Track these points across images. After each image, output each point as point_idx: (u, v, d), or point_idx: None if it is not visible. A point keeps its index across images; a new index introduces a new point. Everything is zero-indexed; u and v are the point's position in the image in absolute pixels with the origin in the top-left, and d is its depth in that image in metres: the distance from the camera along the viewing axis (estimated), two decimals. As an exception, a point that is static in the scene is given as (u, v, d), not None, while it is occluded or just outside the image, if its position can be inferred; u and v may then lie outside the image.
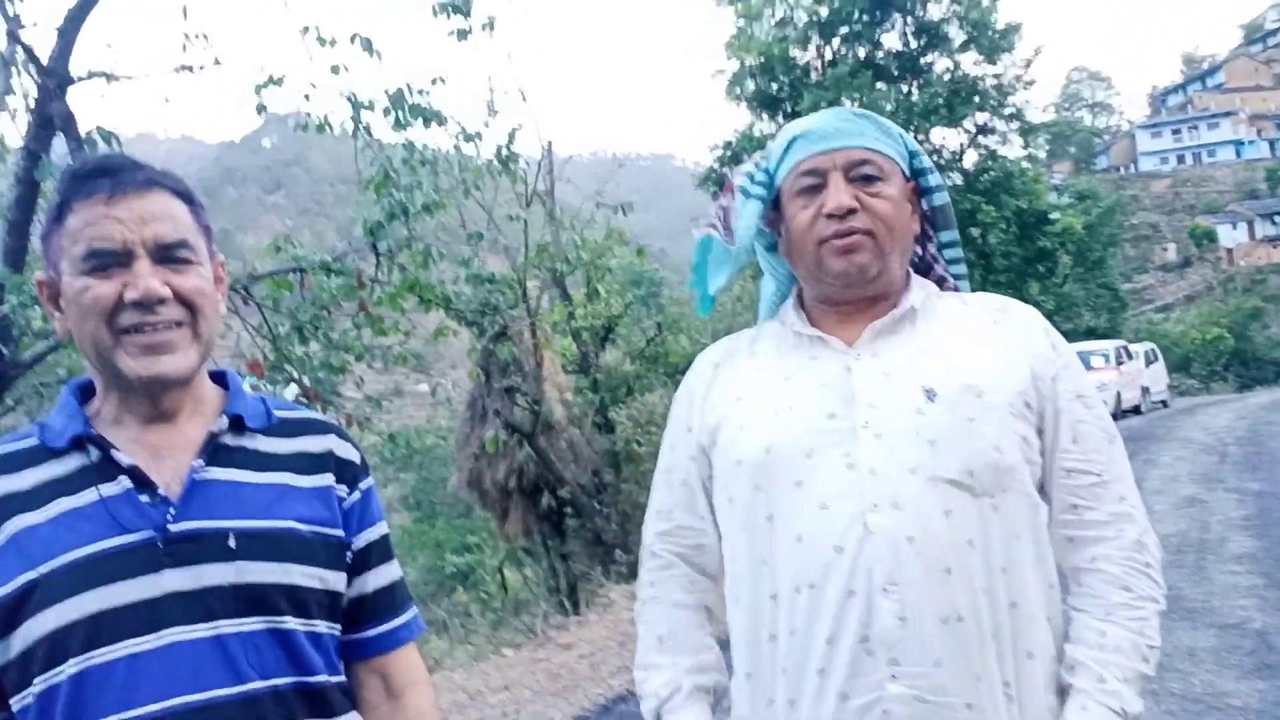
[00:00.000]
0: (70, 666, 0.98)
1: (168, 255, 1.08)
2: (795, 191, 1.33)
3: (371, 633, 1.20)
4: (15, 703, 1.00)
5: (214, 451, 1.11)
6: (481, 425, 8.89)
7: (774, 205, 1.38)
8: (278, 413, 1.20)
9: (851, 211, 1.27)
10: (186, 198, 1.13)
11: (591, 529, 8.89)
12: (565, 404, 9.40)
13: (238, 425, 1.15)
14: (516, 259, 9.41)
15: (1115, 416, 17.71)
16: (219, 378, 1.22)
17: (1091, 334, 29.83)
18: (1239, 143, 74.86)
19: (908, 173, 1.37)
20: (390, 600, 1.22)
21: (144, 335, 1.06)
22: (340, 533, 1.15)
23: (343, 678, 1.15)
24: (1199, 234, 64.03)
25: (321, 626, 1.11)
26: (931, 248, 1.46)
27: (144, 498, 1.05)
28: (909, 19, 27.40)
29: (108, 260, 1.05)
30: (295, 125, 6.96)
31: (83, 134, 5.44)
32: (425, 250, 7.00)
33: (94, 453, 1.07)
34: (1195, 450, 12.06)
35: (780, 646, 1.23)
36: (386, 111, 6.85)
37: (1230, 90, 79.55)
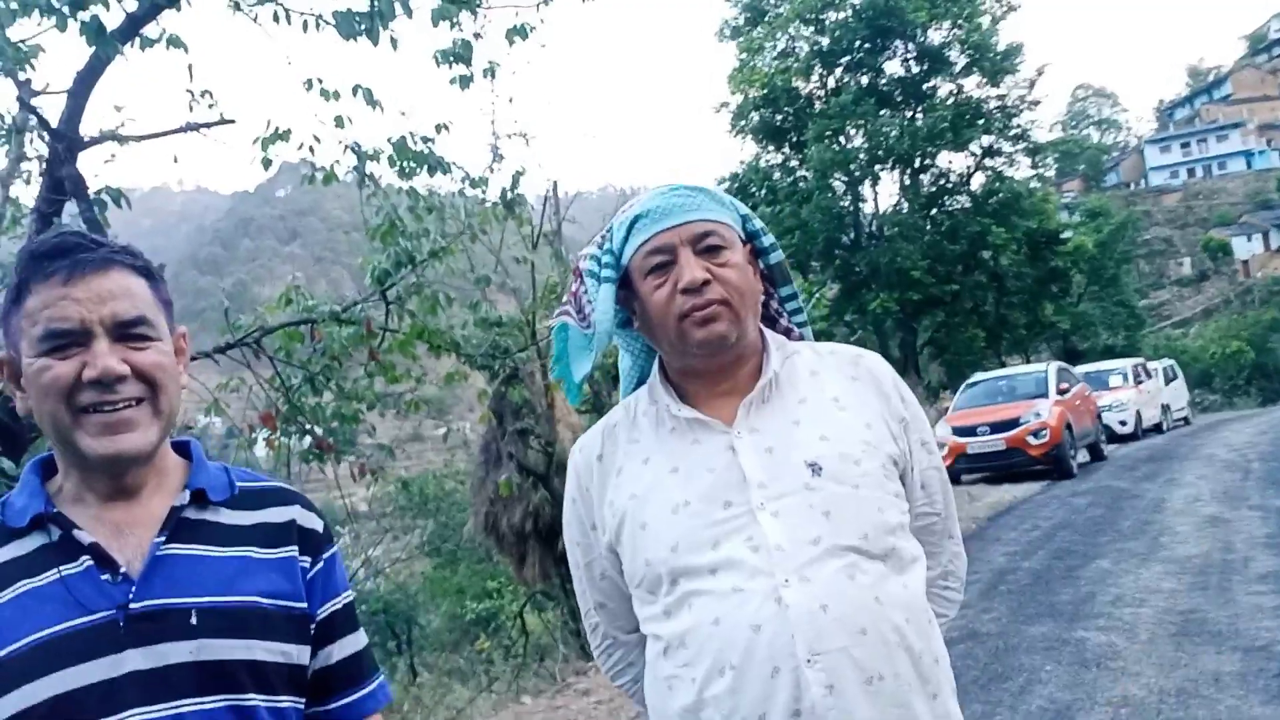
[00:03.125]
0: None
1: (126, 333, 1.08)
2: (646, 270, 1.37)
3: (335, 705, 1.20)
4: None
5: (176, 527, 1.11)
6: (496, 469, 8.88)
7: (624, 284, 1.41)
8: (240, 484, 1.20)
9: (705, 284, 1.32)
10: (146, 273, 1.14)
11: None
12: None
13: (200, 499, 1.15)
14: (525, 300, 9.45)
15: (1135, 435, 17.56)
16: (182, 448, 1.22)
17: (1109, 352, 29.62)
18: (1249, 153, 74.58)
19: (743, 237, 1.43)
20: (355, 671, 1.22)
21: (103, 414, 1.06)
22: (303, 605, 1.15)
23: None
24: (1213, 247, 63.61)
25: (285, 701, 1.10)
26: (774, 302, 1.53)
27: (105, 576, 1.05)
28: (910, 45, 27.60)
29: (66, 340, 1.06)
30: (302, 179, 7.06)
31: (92, 195, 5.52)
32: (434, 296, 7.05)
33: (55, 532, 1.07)
34: (1218, 468, 11.91)
35: None
36: (391, 161, 6.93)
37: (1238, 101, 79.41)
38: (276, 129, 6.62)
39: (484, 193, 7.83)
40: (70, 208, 5.56)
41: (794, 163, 28.68)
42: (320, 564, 1.20)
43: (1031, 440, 12.67)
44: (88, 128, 5.46)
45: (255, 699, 1.07)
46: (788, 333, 1.53)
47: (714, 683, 1.24)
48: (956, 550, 1.52)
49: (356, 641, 1.23)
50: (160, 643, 1.03)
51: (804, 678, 1.19)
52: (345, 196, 7.01)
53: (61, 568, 1.05)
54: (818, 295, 17.98)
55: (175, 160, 7.11)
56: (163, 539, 1.09)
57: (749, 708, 1.21)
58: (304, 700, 1.15)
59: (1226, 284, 61.29)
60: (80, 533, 1.07)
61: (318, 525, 1.22)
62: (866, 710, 1.21)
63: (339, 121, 6.61)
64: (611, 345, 1.56)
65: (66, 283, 1.06)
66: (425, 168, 6.94)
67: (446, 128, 7.28)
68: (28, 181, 5.85)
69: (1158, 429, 19.21)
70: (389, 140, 6.81)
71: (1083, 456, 13.90)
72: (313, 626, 1.16)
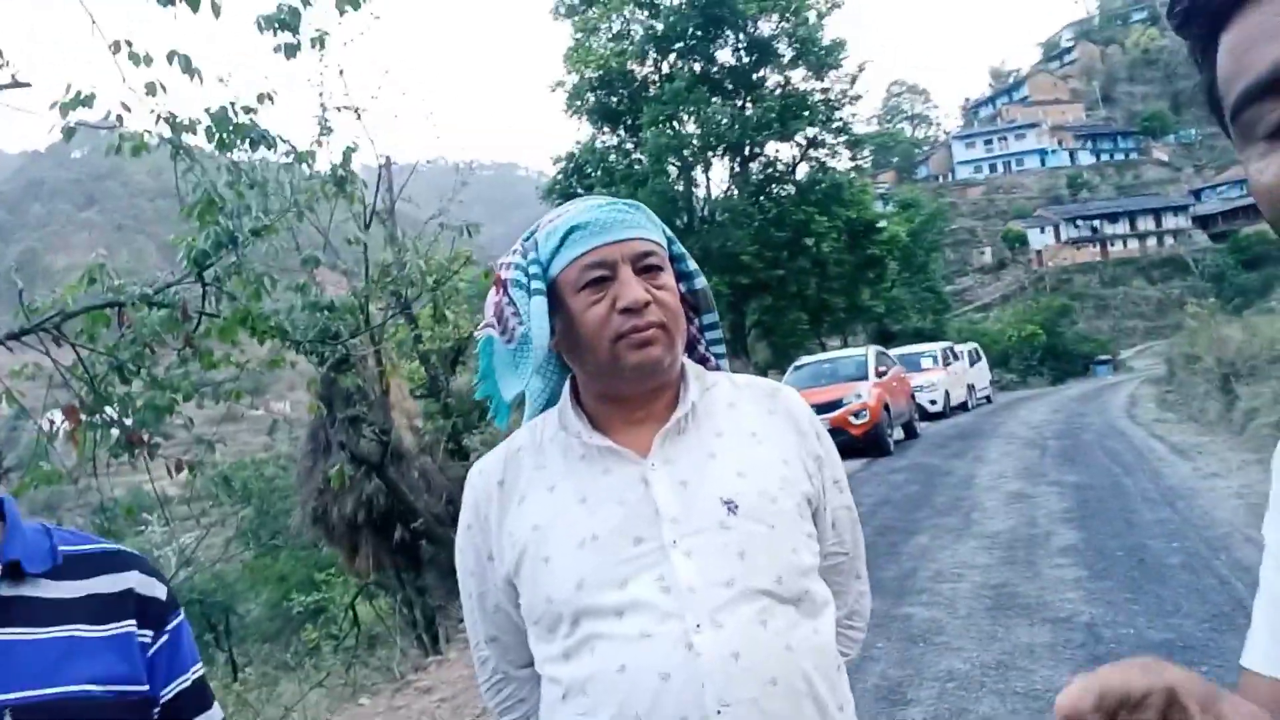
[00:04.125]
0: None
1: None
2: (580, 285, 1.29)
3: None
4: None
5: None
6: (325, 459, 8.49)
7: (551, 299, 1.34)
8: (65, 548, 1.04)
9: (646, 305, 1.27)
10: None
11: (448, 560, 8.62)
12: (415, 431, 9.12)
13: (14, 571, 0.99)
14: (357, 283, 9.06)
15: (945, 414, 18.79)
16: None
17: (919, 335, 31.54)
18: (1043, 151, 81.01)
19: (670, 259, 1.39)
20: None
21: None
22: (144, 688, 1.02)
23: None
24: (1011, 238, 68.92)
25: None
26: (693, 329, 1.48)
27: None
28: (740, 35, 28.23)
29: None
30: (106, 147, 6.48)
31: None
32: (258, 280, 6.64)
33: None
34: (1019, 445, 12.89)
35: None
36: (209, 133, 6.45)
37: (1034, 103, 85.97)
38: (79, 93, 6.04)
39: (311, 168, 7.44)
40: None
41: (629, 145, 28.88)
42: (164, 637, 1.06)
43: (853, 420, 13.32)
44: None
45: None
46: (704, 361, 1.47)
47: None
48: (863, 590, 1.51)
49: None
50: None
51: None
52: (150, 161, 6.47)
53: None
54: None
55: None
56: None
57: None
58: None
59: (1022, 272, 66.55)
60: None
61: (160, 593, 1.08)
62: None
63: (150, 89, 6.09)
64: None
65: None
66: (247, 140, 6.51)
67: (270, 98, 6.84)
68: None
69: (964, 407, 20.64)
70: (206, 110, 6.34)
71: (898, 435, 14.75)
72: (157, 710, 1.03)
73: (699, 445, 1.30)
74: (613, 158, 28.49)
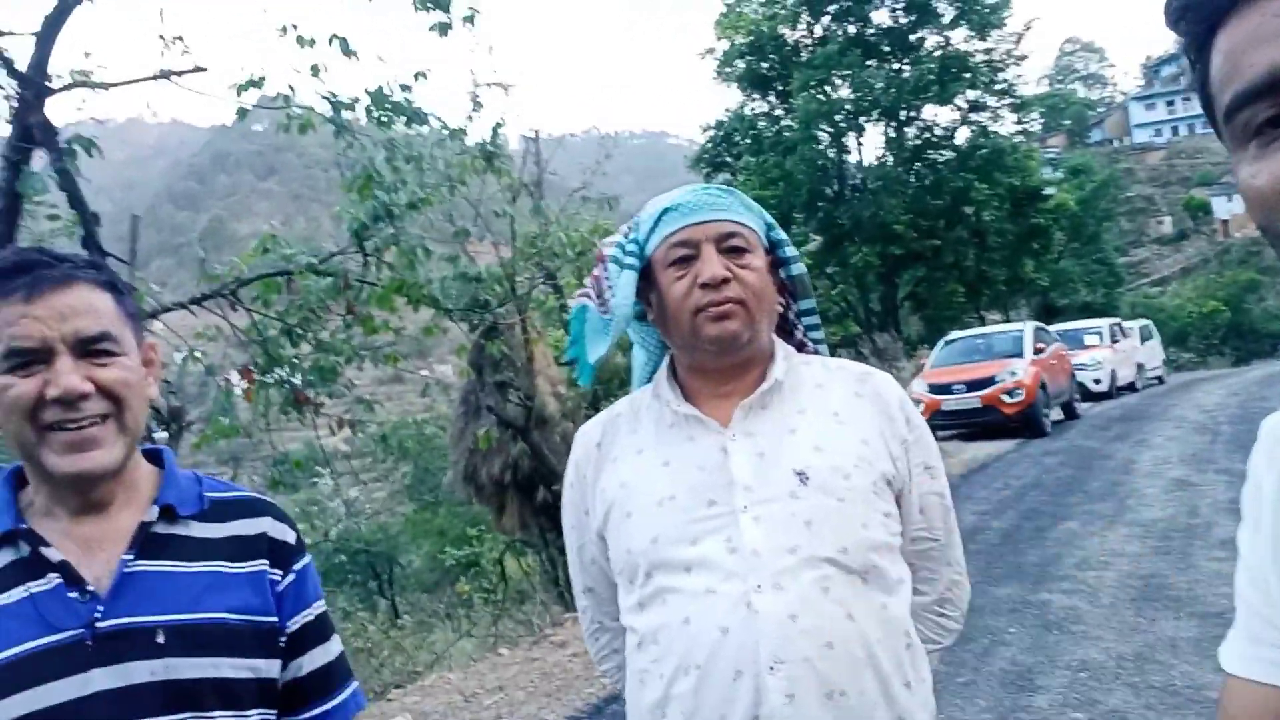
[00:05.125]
0: None
1: (89, 349, 1.08)
2: (668, 262, 1.38)
3: (307, 715, 1.21)
4: None
5: (145, 543, 1.11)
6: (475, 421, 8.90)
7: (643, 275, 1.42)
8: (211, 495, 1.20)
9: (725, 281, 1.33)
10: (110, 287, 1.13)
11: (586, 521, 8.88)
12: (558, 397, 9.42)
13: (169, 513, 1.14)
14: (505, 254, 9.39)
15: (1110, 394, 17.80)
16: (154, 456, 1.22)
17: (1088, 309, 29.85)
18: (1233, 112, 74.55)
19: (766, 245, 1.44)
20: (325, 683, 1.22)
21: (68, 433, 1.06)
22: (274, 619, 1.15)
23: None
24: (1194, 206, 63.89)
25: (253, 716, 1.12)
26: (791, 314, 1.54)
27: (73, 594, 1.06)
28: (899, -5, 27.23)
29: (28, 358, 1.05)
30: (277, 125, 6.95)
31: (62, 144, 5.42)
32: (411, 250, 7.00)
33: (25, 547, 1.08)
34: (1188, 430, 12.11)
35: None
36: (368, 111, 6.82)
37: (1225, 59, 79.14)
38: (251, 76, 6.49)
39: (463, 143, 7.74)
40: (43, 155, 5.45)
41: (779, 112, 28.43)
42: (291, 576, 1.20)
43: (1006, 399, 12.82)
44: (56, 72, 5.34)
45: (221, 715, 1.08)
46: (801, 346, 1.53)
47: (679, 681, 1.26)
48: (956, 579, 1.49)
49: (328, 652, 1.24)
50: (127, 662, 1.04)
51: (765, 684, 1.21)
52: (324, 132, 6.90)
53: (30, 585, 1.05)
54: (801, 251, 17.98)
55: (148, 106, 6.99)
56: (131, 555, 1.09)
57: (710, 709, 1.23)
58: (275, 712, 1.16)
59: (1205, 243, 61.69)
60: (49, 550, 1.07)
61: (289, 537, 1.22)
62: None
63: (314, 70, 6.49)
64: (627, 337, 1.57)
65: (27, 300, 1.05)
66: (403, 118, 6.84)
67: (424, 75, 7.17)
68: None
69: (1131, 388, 19.47)
70: (366, 90, 6.71)
71: (1056, 415, 14.10)
72: (283, 640, 1.17)
73: (780, 420, 1.37)
74: (762, 124, 28.13)
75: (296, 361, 6.62)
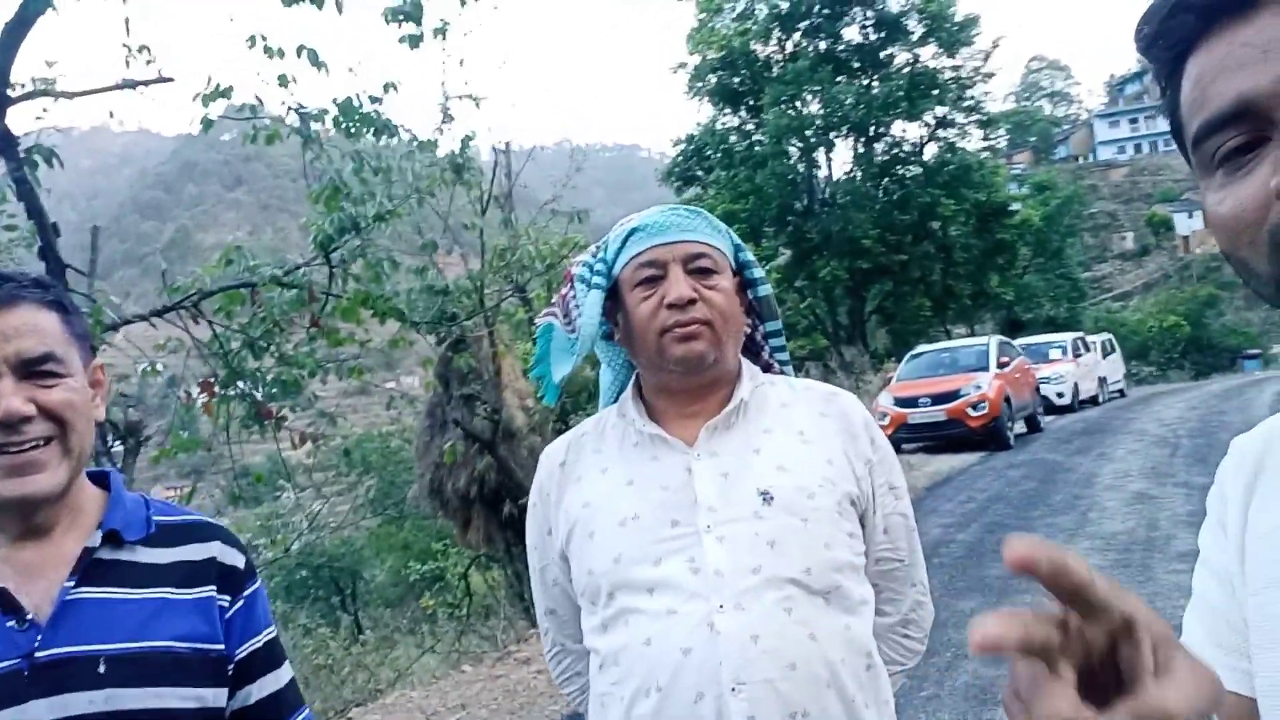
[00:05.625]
0: None
1: (33, 371, 1.06)
2: (636, 282, 1.39)
3: None
4: None
5: (87, 569, 1.09)
6: (441, 434, 8.86)
7: (611, 295, 1.43)
8: (158, 519, 1.18)
9: (691, 302, 1.34)
10: (58, 306, 1.11)
11: (554, 535, 8.85)
12: (526, 410, 9.40)
13: (115, 538, 1.12)
14: (474, 266, 9.36)
15: (1072, 408, 18.03)
16: (101, 479, 1.20)
17: (1051, 324, 30.25)
18: (1194, 131, 76.00)
19: (734, 266, 1.45)
20: (275, 711, 1.21)
21: (9, 456, 1.04)
22: (221, 646, 1.14)
23: None
24: (1156, 222, 65.06)
25: None
26: (758, 335, 1.55)
27: (11, 623, 1.03)
28: (868, 12, 27.55)
29: None
30: (243, 137, 6.90)
31: (22, 153, 5.33)
32: (378, 263, 6.96)
33: None
34: (1148, 443, 12.29)
35: None
36: (336, 122, 6.78)
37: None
38: (217, 86, 6.44)
39: (433, 155, 7.72)
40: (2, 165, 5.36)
41: (750, 127, 28.63)
42: (240, 602, 1.18)
43: (971, 412, 12.96)
44: (18, 80, 5.26)
45: None
46: (768, 367, 1.54)
47: (640, 703, 1.25)
48: (920, 600, 1.49)
49: (278, 679, 1.22)
50: (66, 693, 1.01)
51: (727, 706, 1.20)
52: (293, 142, 6.85)
53: None
54: (770, 265, 18.06)
55: (111, 115, 6.89)
56: (72, 583, 1.07)
57: None
58: None
59: (1167, 259, 62.85)
60: None
61: (239, 562, 1.20)
62: None
63: (282, 80, 6.45)
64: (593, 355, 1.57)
65: None
66: (371, 130, 6.81)
67: (395, 87, 7.14)
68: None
69: (1094, 401, 19.75)
70: (334, 101, 6.67)
71: (1020, 428, 14.27)
72: (231, 667, 1.15)
73: (745, 440, 1.37)
74: (733, 139, 28.31)
75: (259, 374, 6.55)
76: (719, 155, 27.85)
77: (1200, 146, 0.63)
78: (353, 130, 6.72)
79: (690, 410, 1.39)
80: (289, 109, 6.66)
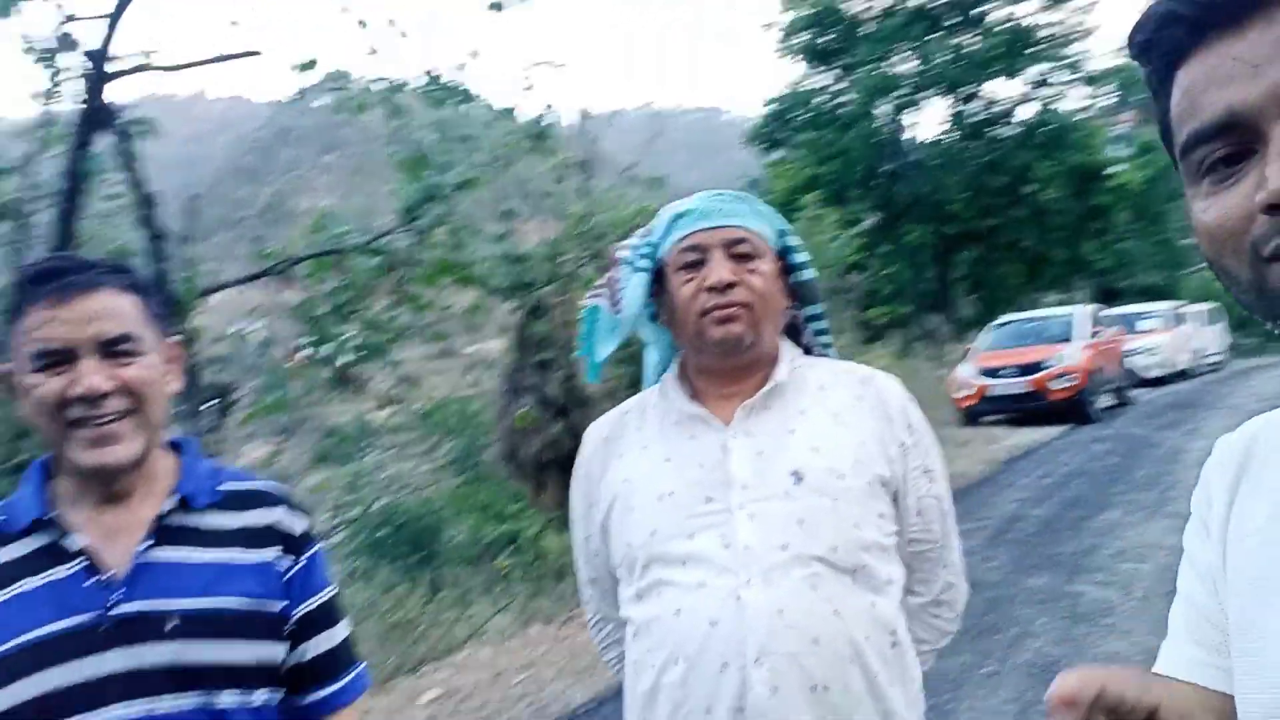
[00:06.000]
0: None
1: (112, 350, 1.16)
2: (678, 266, 1.44)
3: (310, 699, 1.28)
4: None
5: (161, 532, 1.20)
6: (516, 400, 9.03)
7: (656, 278, 1.48)
8: (227, 486, 1.28)
9: (731, 285, 1.39)
10: (136, 289, 1.22)
11: (624, 500, 8.96)
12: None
13: (186, 503, 1.23)
14: (552, 234, 9.48)
15: (1165, 380, 17.39)
16: (177, 447, 1.31)
17: (1149, 292, 29.11)
18: (1315, 88, 71.61)
19: (778, 250, 1.49)
20: (329, 666, 1.30)
21: (90, 428, 1.14)
22: (281, 605, 1.23)
23: None
24: (1269, 185, 61.52)
25: (259, 698, 1.20)
26: (800, 318, 1.58)
27: (93, 580, 1.14)
28: (964, -33, 26.58)
29: (55, 359, 1.14)
30: (334, 106, 7.11)
31: (124, 126, 5.61)
32: (459, 229, 7.12)
33: (50, 535, 1.17)
34: (1242, 418, 11.73)
35: (662, 712, 1.34)
36: (421, 92, 6.95)
37: (1308, 32, 75.95)
38: (308, 58, 6.67)
39: (513, 123, 7.84)
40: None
41: (839, 87, 28.03)
42: (300, 564, 1.27)
43: (1055, 385, 12.62)
44: (120, 54, 5.52)
45: (227, 698, 1.16)
46: (809, 349, 1.57)
47: (669, 671, 1.31)
48: (952, 581, 1.51)
49: (333, 637, 1.31)
50: (139, 645, 1.13)
51: (750, 676, 1.26)
52: (383, 108, 7.03)
53: (53, 571, 1.14)
54: (855, 230, 17.74)
55: (209, 85, 7.16)
56: (148, 544, 1.18)
57: (696, 700, 1.29)
58: (281, 693, 1.24)
59: (1279, 224, 59.52)
60: (71, 538, 1.16)
61: (299, 527, 1.30)
62: (808, 716, 1.26)
63: (371, 51, 6.64)
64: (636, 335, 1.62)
65: (55, 304, 1.14)
66: (454, 98, 6.96)
67: (476, 55, 7.27)
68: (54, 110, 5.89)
69: (1188, 374, 19.00)
70: (420, 72, 6.85)
71: (1108, 401, 13.84)
72: (290, 625, 1.25)
73: (780, 420, 1.42)
74: (820, 100, 27.77)
75: (345, 339, 6.80)
76: (806, 117, 27.38)
77: (1188, 155, 0.65)
78: (437, 99, 6.88)
79: (729, 391, 1.45)
80: (376, 80, 6.85)
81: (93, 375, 1.14)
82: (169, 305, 5.86)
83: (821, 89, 28.18)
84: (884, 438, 1.42)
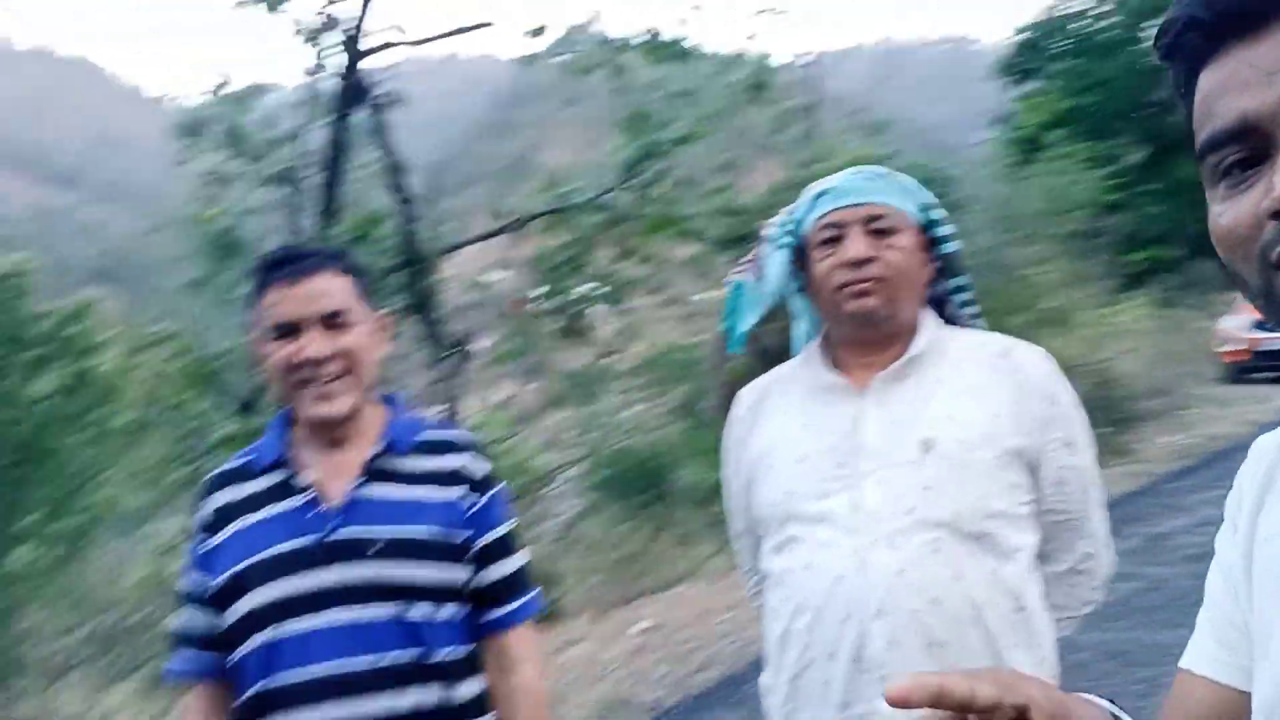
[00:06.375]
0: (263, 636, 1.37)
1: (330, 322, 1.40)
2: (818, 242, 1.49)
3: (490, 616, 1.49)
4: (235, 658, 1.41)
5: (370, 472, 1.43)
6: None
7: (800, 254, 1.55)
8: (424, 435, 1.50)
9: (867, 261, 1.43)
10: (350, 271, 1.47)
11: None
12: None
13: (391, 449, 1.45)
14: (774, 183, 9.47)
15: None
16: (388, 401, 1.55)
17: None
18: None
19: (922, 224, 1.51)
20: (505, 590, 1.51)
21: (315, 387, 1.39)
22: (464, 536, 1.45)
23: (464, 651, 1.45)
24: None
25: (445, 612, 1.42)
26: (943, 290, 1.60)
27: (318, 510, 1.40)
28: None
29: (286, 330, 1.39)
30: (567, 68, 7.48)
31: (376, 100, 6.18)
32: (679, 185, 7.31)
33: (286, 472, 1.43)
34: None
35: (791, 656, 1.44)
36: (642, 50, 7.15)
37: None
38: (536, 26, 7.05)
39: (735, 75, 7.89)
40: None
41: (1101, 9, 25.68)
42: (481, 503, 1.49)
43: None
44: (375, 25, 6.07)
45: (419, 609, 1.40)
46: (954, 320, 1.61)
47: (798, 619, 1.42)
48: (1091, 551, 1.52)
49: (510, 565, 1.52)
50: (351, 563, 1.38)
51: (869, 630, 1.35)
52: (627, 60, 7.31)
53: (289, 501, 1.42)
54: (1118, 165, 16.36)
55: (455, 54, 7.71)
56: (359, 482, 1.43)
57: (820, 646, 1.39)
58: (466, 609, 1.46)
59: None
60: (302, 476, 1.43)
61: (481, 471, 1.52)
62: (925, 670, 1.35)
63: (593, 16, 6.91)
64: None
65: (286, 286, 1.41)
66: (675, 55, 7.11)
67: (699, 8, 7.37)
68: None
69: None
70: (639, 31, 7.05)
71: None
72: (472, 553, 1.47)
73: (916, 390, 1.47)
74: (1080, 25, 25.56)
75: (574, 290, 7.20)
76: (1063, 44, 25.33)
77: (1205, 159, 0.66)
78: (657, 57, 7.06)
79: (867, 360, 1.50)
80: (602, 42, 7.12)
81: (315, 344, 1.39)
82: (419, 261, 6.46)
83: (1080, 13, 25.92)
84: (1019, 410, 1.44)
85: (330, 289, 1.42)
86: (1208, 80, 0.65)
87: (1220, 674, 0.79)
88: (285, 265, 1.43)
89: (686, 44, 7.09)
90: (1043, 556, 1.48)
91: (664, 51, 6.98)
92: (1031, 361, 1.50)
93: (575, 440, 12.40)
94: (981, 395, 1.45)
